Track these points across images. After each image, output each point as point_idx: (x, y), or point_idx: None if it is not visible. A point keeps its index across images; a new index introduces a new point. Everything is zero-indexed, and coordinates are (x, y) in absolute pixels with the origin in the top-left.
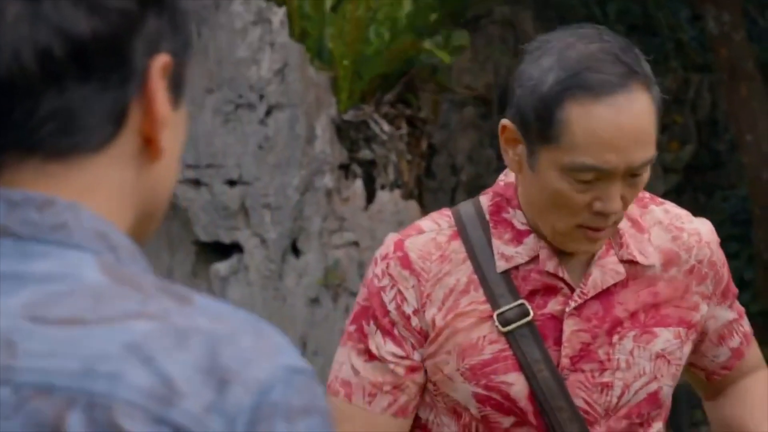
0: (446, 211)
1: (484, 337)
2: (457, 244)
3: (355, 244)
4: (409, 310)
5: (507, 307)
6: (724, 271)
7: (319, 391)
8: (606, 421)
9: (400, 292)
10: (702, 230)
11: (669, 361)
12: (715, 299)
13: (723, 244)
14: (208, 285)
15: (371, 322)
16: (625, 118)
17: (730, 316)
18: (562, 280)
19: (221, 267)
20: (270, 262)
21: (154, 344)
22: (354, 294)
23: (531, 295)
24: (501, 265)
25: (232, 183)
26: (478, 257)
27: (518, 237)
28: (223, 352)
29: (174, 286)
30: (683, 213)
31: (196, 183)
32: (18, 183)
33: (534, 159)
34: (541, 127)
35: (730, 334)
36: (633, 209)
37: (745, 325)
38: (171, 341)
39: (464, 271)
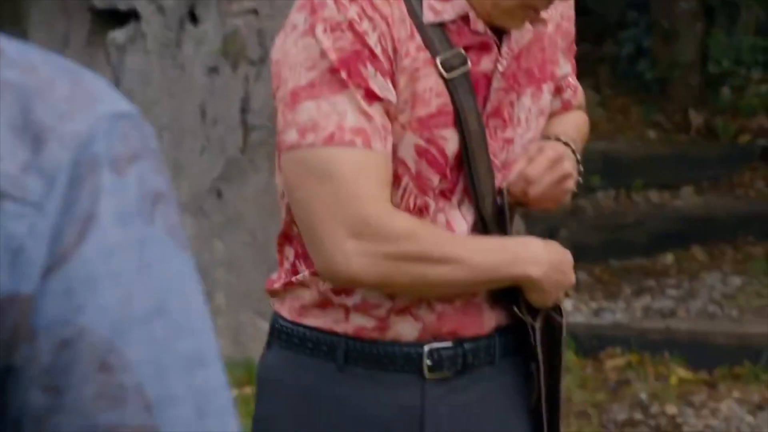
0: None
1: (431, 89)
2: None
3: (254, 12)
4: (391, 53)
5: (449, 54)
6: (573, 25)
7: (147, 132)
8: (500, 173)
9: (382, 34)
10: None
11: (545, 116)
12: (564, 53)
13: (623, 12)
14: (105, 53)
15: (368, 65)
16: None
17: (568, 69)
18: (492, 39)
19: (118, 35)
20: (167, 30)
21: None
22: (253, 62)
23: (466, 50)
24: (429, 17)
25: None
26: (413, 4)
27: None
28: (35, 107)
29: None
30: None
31: None
32: None
33: None
34: None
35: (566, 87)
36: None
37: (575, 79)
38: None
39: (402, 16)
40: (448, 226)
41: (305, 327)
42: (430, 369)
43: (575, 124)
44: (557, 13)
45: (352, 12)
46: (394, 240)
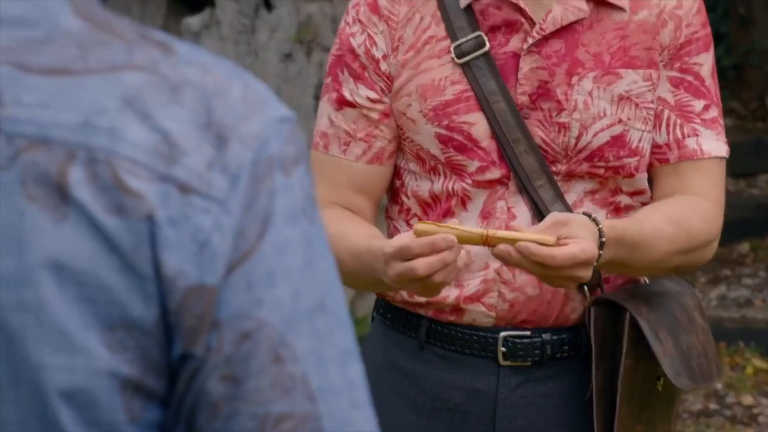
0: None
1: (446, 77)
2: None
3: None
4: (378, 54)
5: (464, 39)
6: (689, 31)
7: (302, 136)
8: (567, 161)
9: (369, 36)
10: None
11: (637, 104)
12: (666, 55)
13: None
14: (179, 40)
15: (344, 70)
16: None
17: (666, 89)
18: (523, 14)
19: (193, 21)
20: (242, 16)
21: (149, 98)
22: (327, 49)
23: (492, 32)
24: (464, 1)
25: None
26: None
27: None
28: (216, 106)
29: (150, 31)
30: None
31: None
32: None
33: None
34: None
35: (668, 121)
36: None
37: (689, 129)
38: (165, 95)
39: (429, 9)
40: (510, 214)
41: (399, 303)
42: (505, 356)
43: (673, 218)
44: (668, 3)
45: (349, 17)
46: None
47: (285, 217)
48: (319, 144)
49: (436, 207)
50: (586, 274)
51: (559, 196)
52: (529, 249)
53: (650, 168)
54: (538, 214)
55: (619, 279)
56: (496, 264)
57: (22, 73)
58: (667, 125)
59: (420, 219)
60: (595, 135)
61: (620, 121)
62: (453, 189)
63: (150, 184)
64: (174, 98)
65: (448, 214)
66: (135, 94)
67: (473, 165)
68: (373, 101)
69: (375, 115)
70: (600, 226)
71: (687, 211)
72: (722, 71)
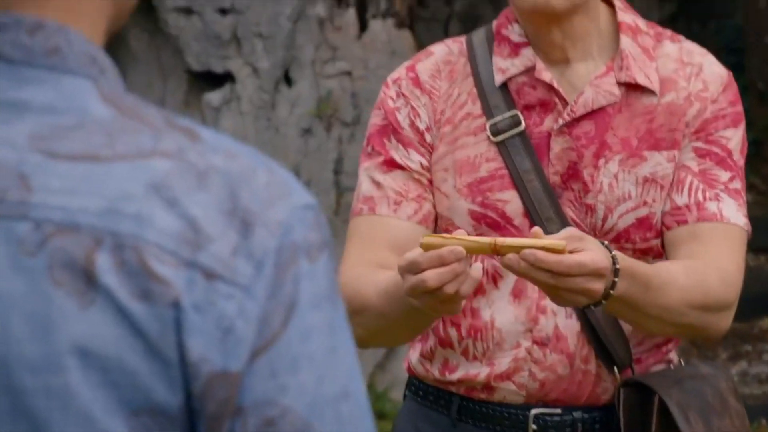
0: (460, 37)
1: (481, 154)
2: (464, 61)
3: (348, 73)
4: (422, 127)
5: (500, 118)
6: (714, 108)
7: (325, 222)
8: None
9: (413, 108)
10: (705, 65)
11: (662, 186)
12: (690, 130)
13: None
14: (200, 115)
15: (392, 138)
16: None
17: (689, 160)
18: (557, 94)
19: (213, 97)
20: (262, 92)
21: (175, 185)
22: (346, 124)
23: (527, 111)
24: (498, 79)
25: (223, 11)
26: (480, 72)
27: (515, 49)
28: (242, 193)
29: (175, 117)
30: (697, 49)
31: (188, 11)
32: (3, 5)
33: None
34: None
35: (691, 185)
36: (647, 40)
37: (710, 196)
38: (191, 181)
39: (466, 87)
40: (541, 293)
41: (431, 381)
42: None
43: (689, 272)
44: (688, 84)
45: (391, 91)
46: None
47: (310, 304)
48: (363, 209)
49: None
50: (597, 287)
51: None
52: (535, 255)
53: (668, 230)
54: None
55: (651, 358)
56: (527, 343)
57: (50, 159)
58: (689, 188)
59: None
60: (620, 217)
61: (645, 203)
62: (483, 267)
63: (176, 270)
64: (200, 185)
65: (479, 292)
66: (162, 181)
67: None
68: (424, 168)
69: (424, 180)
70: (613, 253)
71: (705, 270)
72: None
